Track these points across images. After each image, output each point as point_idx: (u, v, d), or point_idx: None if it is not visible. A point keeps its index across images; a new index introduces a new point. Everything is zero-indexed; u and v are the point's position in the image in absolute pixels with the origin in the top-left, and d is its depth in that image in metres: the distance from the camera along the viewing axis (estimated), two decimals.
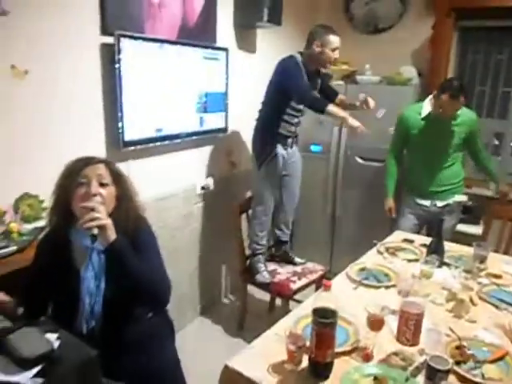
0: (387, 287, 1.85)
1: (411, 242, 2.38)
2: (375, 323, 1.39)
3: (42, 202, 1.90)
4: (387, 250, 2.25)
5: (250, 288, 2.89)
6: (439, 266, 1.96)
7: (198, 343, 2.76)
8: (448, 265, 2.04)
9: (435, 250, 2.02)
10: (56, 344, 0.86)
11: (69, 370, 0.84)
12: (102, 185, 1.39)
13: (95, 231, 1.29)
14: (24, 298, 1.38)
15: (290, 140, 2.70)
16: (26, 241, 1.69)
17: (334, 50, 2.52)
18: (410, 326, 1.38)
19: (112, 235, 1.32)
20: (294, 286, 2.62)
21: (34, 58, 1.83)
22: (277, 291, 2.71)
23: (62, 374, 0.83)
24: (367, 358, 1.36)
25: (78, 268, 1.42)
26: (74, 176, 1.39)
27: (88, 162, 1.41)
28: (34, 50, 1.83)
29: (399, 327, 1.41)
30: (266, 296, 3.10)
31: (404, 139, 2.82)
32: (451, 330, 1.49)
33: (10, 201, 1.82)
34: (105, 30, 2.08)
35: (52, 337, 0.88)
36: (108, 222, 1.31)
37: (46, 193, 1.86)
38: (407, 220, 2.85)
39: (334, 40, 2.51)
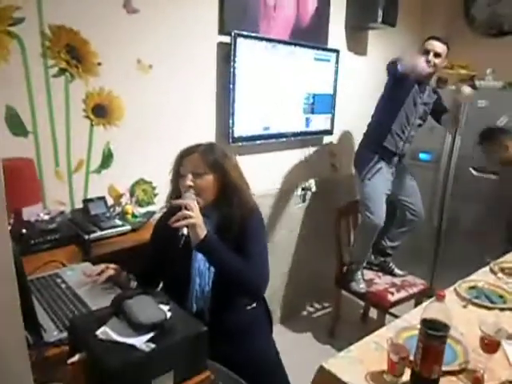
0: (502, 309, 1.67)
1: None
2: (490, 345, 1.26)
3: (154, 188, 2.03)
4: (502, 270, 2.04)
5: (344, 295, 2.80)
6: None
7: (287, 345, 2.72)
8: None
9: None
10: (169, 314, 0.90)
11: (179, 341, 0.87)
12: (197, 175, 1.42)
13: (185, 231, 1.31)
14: (139, 275, 1.47)
15: (395, 159, 2.57)
16: (140, 222, 1.81)
17: (426, 51, 2.44)
18: None
19: (201, 233, 1.33)
20: (392, 298, 2.49)
21: (158, 53, 1.96)
22: (373, 301, 2.60)
23: (172, 344, 0.86)
24: (477, 381, 1.23)
25: (192, 249, 1.45)
26: (176, 167, 1.47)
27: (184, 153, 1.47)
28: (158, 47, 1.96)
29: None
30: (359, 306, 3.00)
31: None
32: None
33: (127, 185, 1.96)
34: (222, 30, 2.17)
35: (165, 308, 0.91)
36: (197, 220, 1.32)
37: (158, 180, 2.01)
38: None
39: (429, 43, 2.45)
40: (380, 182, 2.53)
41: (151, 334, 0.85)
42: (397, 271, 2.78)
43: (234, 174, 1.49)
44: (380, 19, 2.75)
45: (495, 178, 2.98)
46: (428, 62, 2.39)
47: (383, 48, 3.15)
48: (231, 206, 1.45)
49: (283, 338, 2.80)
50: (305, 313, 3.15)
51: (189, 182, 1.40)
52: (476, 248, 2.94)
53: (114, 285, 1.33)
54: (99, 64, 1.79)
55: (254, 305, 1.56)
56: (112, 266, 1.38)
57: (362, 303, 2.96)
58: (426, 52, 2.44)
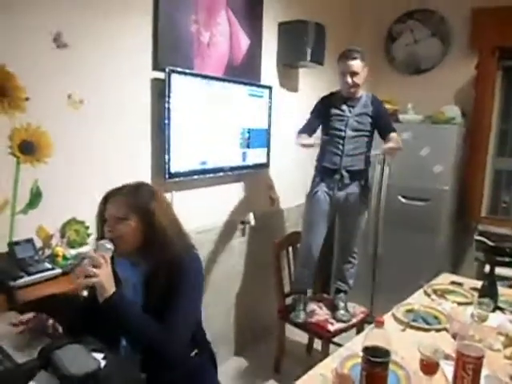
0: (438, 330, 1.74)
1: (460, 284, 2.26)
2: (429, 367, 1.30)
3: (87, 228, 1.93)
4: (435, 291, 2.14)
5: (289, 329, 2.78)
6: (493, 311, 1.84)
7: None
8: (502, 309, 1.92)
9: (488, 293, 1.91)
10: (103, 363, 0.83)
11: None
12: (118, 219, 1.33)
13: (84, 292, 1.22)
14: (70, 322, 1.35)
15: (336, 176, 2.56)
16: (71, 265, 1.70)
17: (343, 73, 2.49)
18: (469, 371, 1.27)
19: (105, 293, 1.23)
20: (332, 328, 2.51)
21: (90, 88, 1.91)
22: (315, 332, 2.60)
23: None
24: None
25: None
26: (101, 212, 1.39)
27: (108, 197, 1.38)
28: (89, 82, 1.91)
29: (456, 372, 1.30)
30: (304, 338, 2.99)
31: None
32: None
33: (57, 225, 1.86)
34: (156, 66, 2.16)
35: (98, 356, 0.85)
36: (101, 278, 1.22)
37: (91, 219, 1.91)
38: None
39: (343, 65, 2.49)
40: (316, 203, 2.58)
41: None
42: (340, 312, 2.63)
43: (162, 218, 1.36)
44: (309, 58, 2.89)
45: (422, 204, 3.17)
46: (347, 83, 2.46)
47: (313, 84, 3.30)
48: (157, 254, 1.34)
49: (229, 376, 2.73)
50: (250, 349, 3.08)
51: (108, 226, 1.32)
52: (409, 272, 3.07)
53: (43, 335, 1.23)
54: (27, 99, 1.71)
55: (196, 351, 1.46)
56: (39, 314, 1.28)
57: (306, 335, 2.95)
58: (343, 73, 2.48)
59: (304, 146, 2.53)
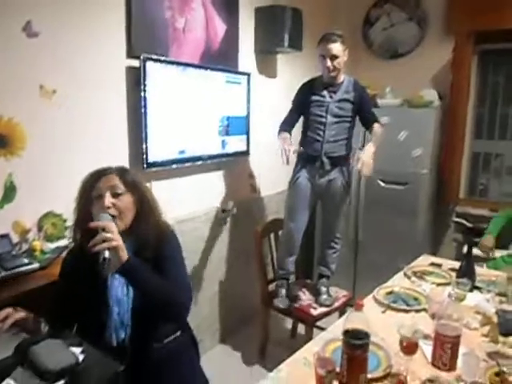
0: (418, 311, 1.77)
1: (439, 265, 2.30)
2: (409, 347, 1.32)
3: (65, 221, 1.90)
4: (415, 273, 2.18)
5: (273, 314, 2.81)
6: (470, 290, 1.88)
7: (218, 370, 2.66)
8: (479, 289, 1.96)
9: (466, 273, 1.95)
10: (81, 357, 0.83)
11: None
12: (116, 195, 1.36)
13: (106, 254, 1.22)
14: (51, 316, 1.34)
15: (318, 163, 2.56)
16: (49, 259, 1.68)
17: (322, 56, 2.46)
18: (447, 350, 1.31)
19: (124, 256, 1.26)
20: (314, 312, 2.54)
21: (62, 78, 1.87)
22: (298, 317, 2.63)
23: None
24: None
25: (106, 277, 1.38)
26: (88, 191, 1.38)
27: (100, 174, 1.40)
28: (62, 71, 1.87)
29: (435, 351, 1.33)
30: (288, 323, 3.02)
31: None
32: (489, 355, 1.40)
33: (34, 219, 1.82)
34: (131, 53, 2.12)
35: (76, 350, 0.84)
36: (119, 242, 1.25)
37: (69, 211, 1.88)
38: None
39: (322, 48, 2.45)
40: (298, 190, 2.59)
41: (61, 382, 0.77)
42: (322, 296, 2.65)
43: (150, 195, 1.47)
44: (287, 43, 2.87)
45: (401, 188, 3.20)
46: (327, 67, 2.44)
47: (291, 70, 3.28)
48: (148, 227, 1.40)
49: (214, 363, 2.74)
50: (235, 335, 3.10)
51: (108, 202, 1.33)
52: (390, 255, 3.12)
53: (21, 331, 1.21)
54: None
55: (178, 333, 1.50)
56: (17, 309, 1.26)
57: (290, 320, 2.98)
58: (323, 57, 2.45)
59: (283, 148, 2.38)
